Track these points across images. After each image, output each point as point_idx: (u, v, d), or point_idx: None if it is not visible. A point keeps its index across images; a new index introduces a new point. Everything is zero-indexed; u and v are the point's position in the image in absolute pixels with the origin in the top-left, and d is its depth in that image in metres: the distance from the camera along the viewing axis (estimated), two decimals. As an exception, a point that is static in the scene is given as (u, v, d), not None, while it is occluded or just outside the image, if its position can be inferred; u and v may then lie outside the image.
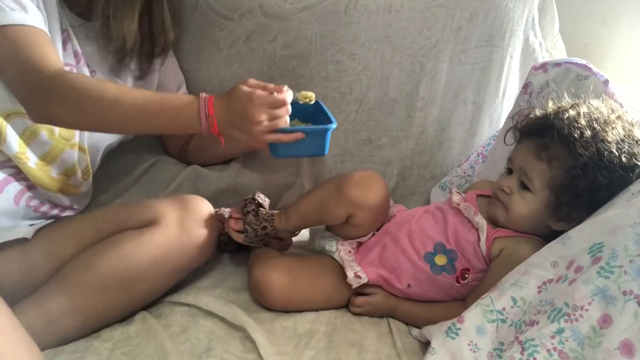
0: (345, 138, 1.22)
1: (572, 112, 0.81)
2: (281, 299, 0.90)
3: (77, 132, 0.92)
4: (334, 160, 1.23)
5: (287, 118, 0.81)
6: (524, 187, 0.84)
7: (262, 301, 0.91)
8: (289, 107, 0.80)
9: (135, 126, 0.82)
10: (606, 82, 0.96)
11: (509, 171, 0.88)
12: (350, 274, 0.91)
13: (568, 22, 1.32)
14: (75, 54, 0.91)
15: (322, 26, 1.11)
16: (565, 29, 1.31)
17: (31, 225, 0.89)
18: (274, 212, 0.98)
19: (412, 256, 0.90)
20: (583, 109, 0.82)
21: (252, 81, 0.80)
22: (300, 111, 0.93)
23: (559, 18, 1.29)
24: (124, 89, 0.79)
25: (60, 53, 0.86)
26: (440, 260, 0.89)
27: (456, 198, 0.92)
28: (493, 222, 0.88)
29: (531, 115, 0.87)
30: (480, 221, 0.87)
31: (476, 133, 1.28)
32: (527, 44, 1.26)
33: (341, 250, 0.94)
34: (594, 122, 0.79)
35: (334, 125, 0.86)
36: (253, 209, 0.96)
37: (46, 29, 0.80)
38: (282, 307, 0.91)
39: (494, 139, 1.18)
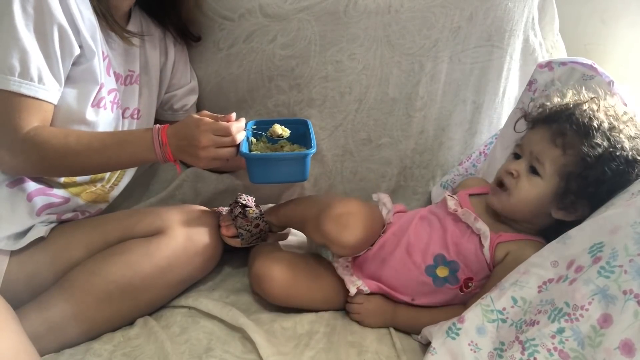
0: (345, 138, 1.22)
1: (592, 105, 0.83)
2: (282, 292, 0.89)
3: None
4: (334, 160, 1.23)
5: (244, 144, 0.86)
6: (533, 171, 0.84)
7: (263, 294, 0.91)
8: (236, 137, 0.83)
9: (99, 169, 0.89)
10: (611, 82, 0.97)
11: (516, 156, 0.88)
12: (352, 290, 0.89)
13: (568, 22, 1.32)
14: (116, 75, 0.92)
15: (322, 26, 1.11)
16: (565, 28, 1.31)
17: (45, 225, 0.88)
18: (261, 208, 0.98)
19: (413, 272, 0.88)
20: (602, 103, 0.83)
21: (205, 112, 0.87)
22: (292, 133, 0.94)
23: (559, 18, 1.29)
24: (84, 138, 0.82)
25: (105, 80, 0.88)
26: (442, 272, 0.87)
27: (451, 203, 0.90)
28: (493, 226, 0.86)
29: (548, 104, 0.88)
30: (482, 227, 0.85)
31: (476, 133, 1.28)
32: (527, 44, 1.26)
33: (338, 268, 0.93)
34: (611, 117, 0.81)
35: (312, 151, 0.86)
36: (240, 212, 0.96)
37: (50, 98, 0.80)
38: (283, 302, 0.90)
39: (495, 138, 1.18)
